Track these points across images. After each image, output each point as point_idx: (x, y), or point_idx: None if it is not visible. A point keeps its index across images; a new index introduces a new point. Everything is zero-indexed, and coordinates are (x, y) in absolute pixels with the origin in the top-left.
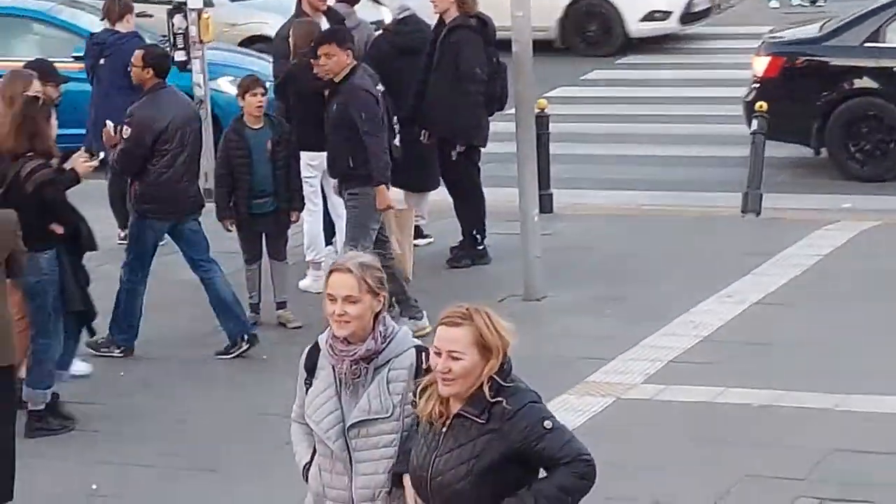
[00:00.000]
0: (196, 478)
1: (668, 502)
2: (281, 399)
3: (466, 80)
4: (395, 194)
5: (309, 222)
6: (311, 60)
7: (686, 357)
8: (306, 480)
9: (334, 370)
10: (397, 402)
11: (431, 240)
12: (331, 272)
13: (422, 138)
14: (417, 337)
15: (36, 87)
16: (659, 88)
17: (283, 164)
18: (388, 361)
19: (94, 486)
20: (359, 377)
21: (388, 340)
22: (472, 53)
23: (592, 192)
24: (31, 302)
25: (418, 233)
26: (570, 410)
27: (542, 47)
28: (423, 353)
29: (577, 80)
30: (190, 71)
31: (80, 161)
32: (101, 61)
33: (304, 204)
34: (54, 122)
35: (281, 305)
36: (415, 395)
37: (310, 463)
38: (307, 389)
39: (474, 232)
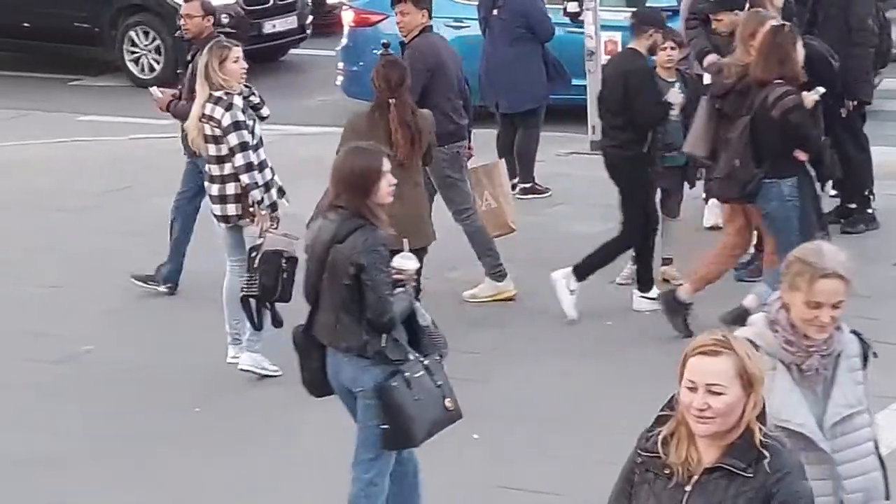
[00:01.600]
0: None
1: None
2: None
3: (858, 33)
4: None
5: None
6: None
7: None
8: None
9: (790, 368)
10: (863, 393)
11: None
12: (821, 277)
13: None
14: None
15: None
16: None
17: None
18: (841, 350)
19: (475, 436)
20: (826, 370)
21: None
22: (862, 5)
23: None
24: (770, 225)
25: None
26: None
27: None
28: (862, 338)
29: None
30: (582, 22)
31: (809, 96)
32: (494, 12)
33: None
34: (801, 48)
35: (667, 262)
36: (652, 451)
37: None
38: None
39: (866, 192)
